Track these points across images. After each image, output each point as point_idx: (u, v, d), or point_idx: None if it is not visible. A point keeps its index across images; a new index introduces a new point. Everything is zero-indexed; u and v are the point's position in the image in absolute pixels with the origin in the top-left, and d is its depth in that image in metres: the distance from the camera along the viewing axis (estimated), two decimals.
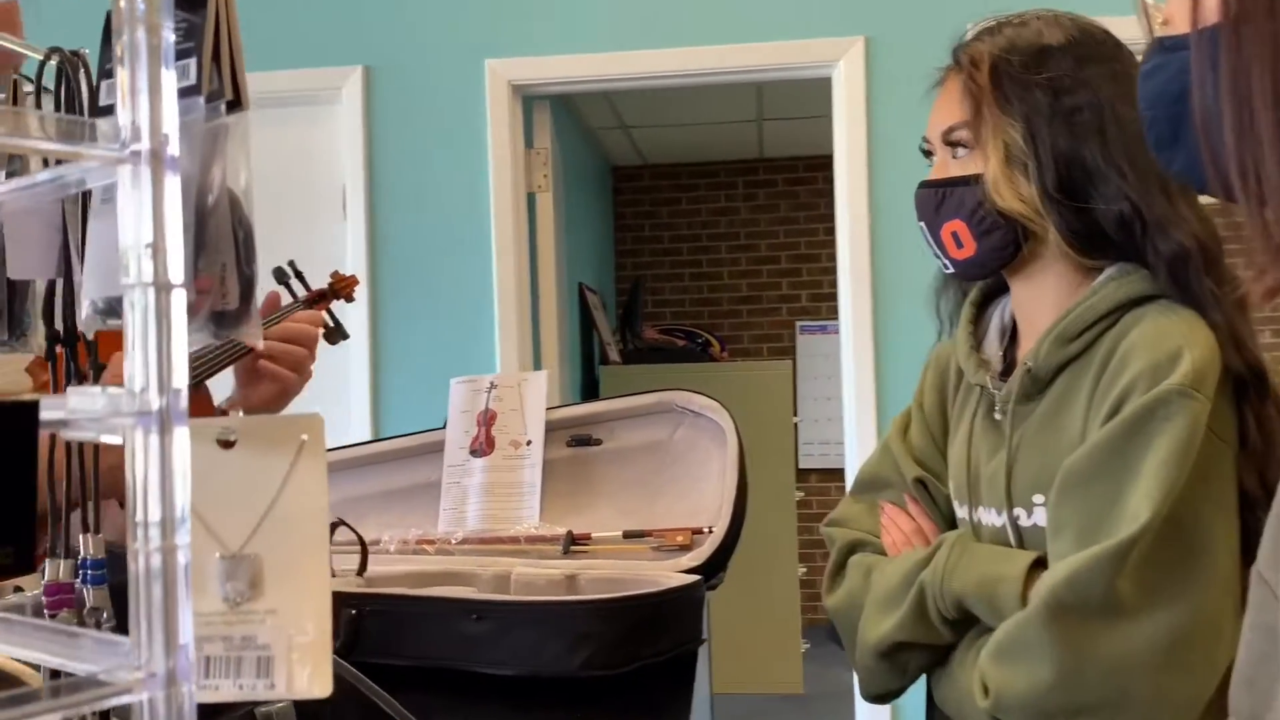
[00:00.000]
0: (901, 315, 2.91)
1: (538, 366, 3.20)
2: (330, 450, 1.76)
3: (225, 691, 0.37)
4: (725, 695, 4.56)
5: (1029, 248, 1.12)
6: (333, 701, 0.75)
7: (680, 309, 6.48)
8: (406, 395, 3.08)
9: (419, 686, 1.24)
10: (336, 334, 1.50)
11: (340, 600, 1.30)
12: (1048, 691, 0.98)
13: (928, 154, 1.21)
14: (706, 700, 1.80)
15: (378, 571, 1.48)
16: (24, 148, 0.30)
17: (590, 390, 4.86)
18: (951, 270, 1.18)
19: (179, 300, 0.31)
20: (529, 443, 1.59)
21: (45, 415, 0.31)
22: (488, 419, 1.63)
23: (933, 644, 1.12)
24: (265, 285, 1.43)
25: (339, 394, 3.10)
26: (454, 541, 1.56)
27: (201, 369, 1.26)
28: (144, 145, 0.31)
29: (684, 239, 6.41)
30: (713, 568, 1.45)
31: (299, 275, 1.45)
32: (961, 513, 1.19)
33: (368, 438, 2.97)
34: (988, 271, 1.17)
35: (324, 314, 1.46)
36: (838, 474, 3.21)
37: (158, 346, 0.31)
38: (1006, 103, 1.11)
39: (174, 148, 0.31)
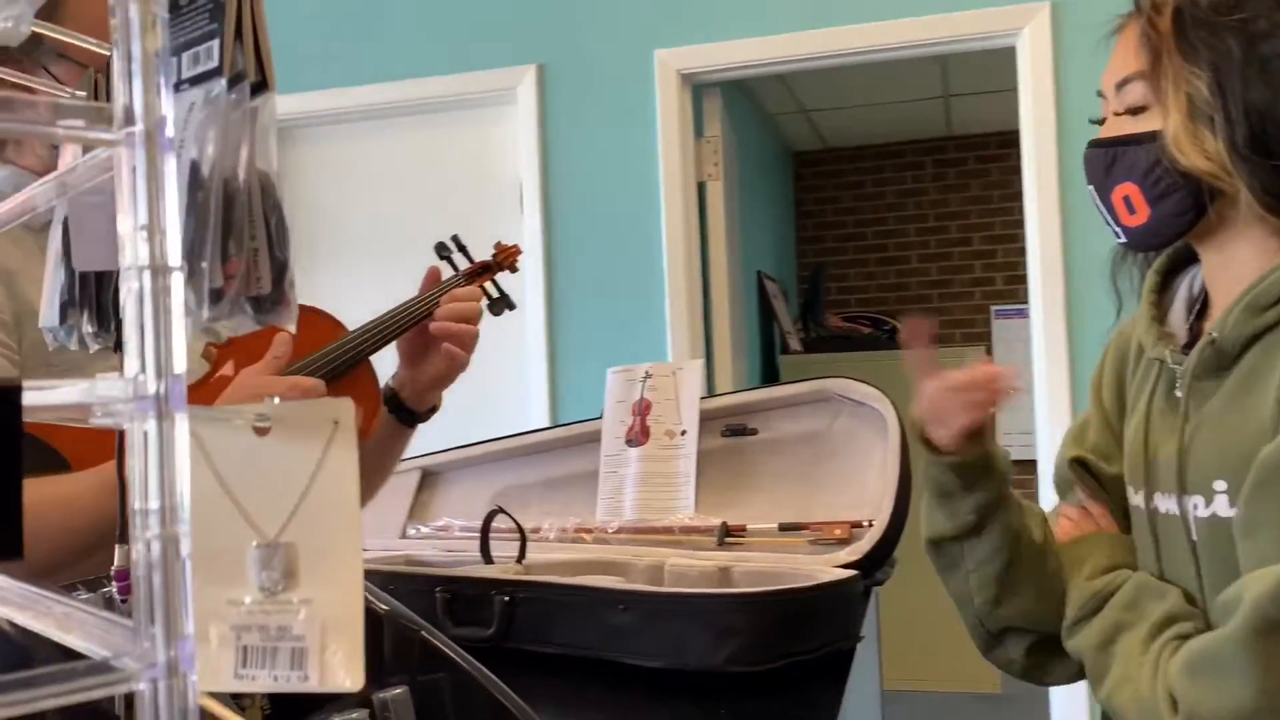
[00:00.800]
0: (1096, 297, 2.72)
1: (709, 355, 3.18)
2: (496, 440, 1.80)
3: (261, 682, 0.37)
4: (912, 693, 4.43)
5: (1217, 211, 1.01)
6: (456, 689, 0.75)
7: (866, 295, 6.31)
8: (582, 384, 3.12)
9: (570, 674, 1.25)
10: (501, 304, 1.47)
11: (493, 586, 1.32)
12: (1250, 717, 0.87)
13: (1101, 122, 1.11)
14: (876, 698, 1.73)
15: (536, 559, 1.50)
16: (12, 131, 0.30)
17: (771, 380, 4.80)
18: (1124, 239, 1.08)
19: (177, 284, 0.31)
20: (683, 432, 1.57)
21: (53, 400, 0.31)
22: (643, 409, 1.62)
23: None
24: (426, 260, 1.43)
25: (518, 383, 3.18)
26: (610, 531, 1.56)
27: (364, 345, 1.28)
28: (138, 127, 0.31)
29: (869, 223, 6.23)
30: (873, 563, 1.39)
31: (462, 249, 1.45)
32: (1136, 500, 1.09)
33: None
34: (1163, 240, 1.06)
35: (487, 286, 1.45)
36: (1033, 465, 3.04)
37: (155, 331, 0.31)
38: (1191, 50, 1.00)
39: (170, 129, 0.31)
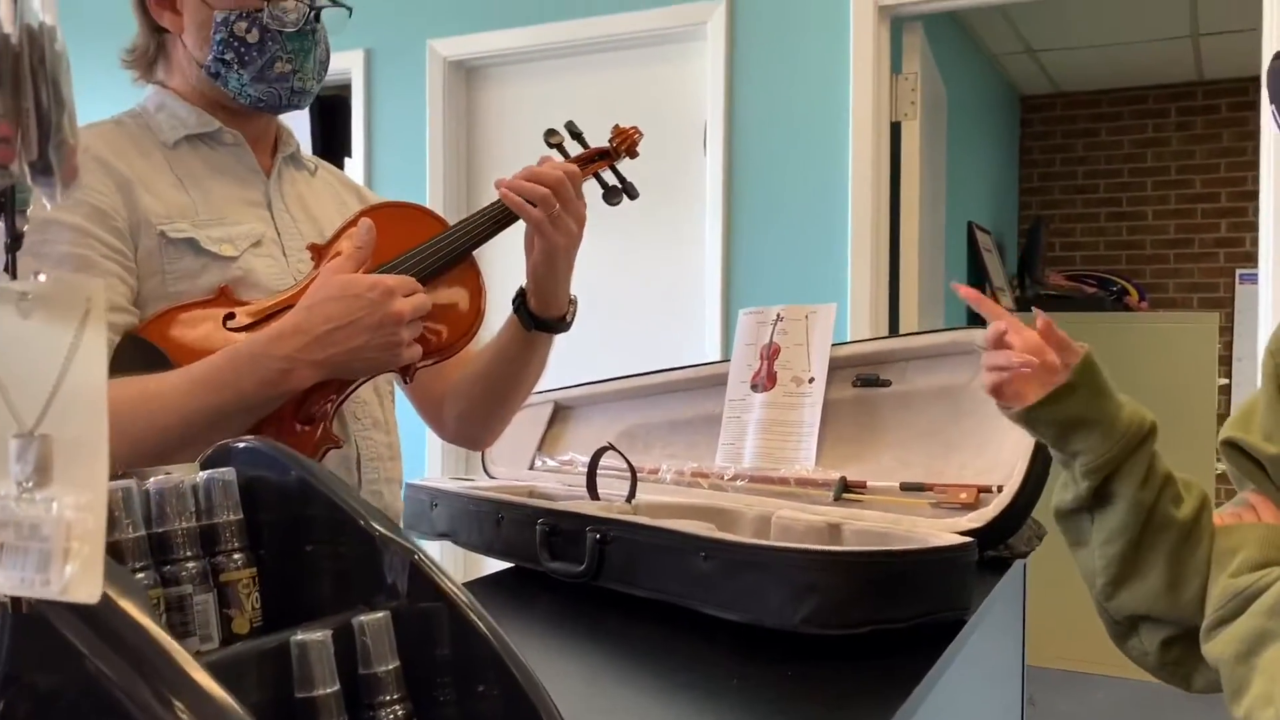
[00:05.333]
0: None
1: (894, 306, 3.01)
2: (626, 377, 1.76)
3: (10, 585, 0.34)
4: (1070, 672, 4.15)
5: None
6: (453, 619, 0.72)
7: (1093, 253, 5.85)
8: None
9: (655, 619, 1.20)
10: (618, 193, 1.33)
11: (588, 523, 1.28)
12: None
13: None
14: (1018, 673, 1.60)
15: (647, 500, 1.45)
16: None
17: None
18: None
19: None
20: (811, 380, 1.47)
21: None
22: (770, 353, 1.53)
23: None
24: (536, 150, 1.33)
25: (693, 320, 3.14)
26: (726, 477, 1.49)
27: (460, 241, 1.20)
28: None
29: (1101, 174, 5.76)
30: (998, 532, 1.26)
31: (577, 135, 1.33)
32: None
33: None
34: None
35: (603, 173, 1.34)
36: None
37: None
38: None
39: None
